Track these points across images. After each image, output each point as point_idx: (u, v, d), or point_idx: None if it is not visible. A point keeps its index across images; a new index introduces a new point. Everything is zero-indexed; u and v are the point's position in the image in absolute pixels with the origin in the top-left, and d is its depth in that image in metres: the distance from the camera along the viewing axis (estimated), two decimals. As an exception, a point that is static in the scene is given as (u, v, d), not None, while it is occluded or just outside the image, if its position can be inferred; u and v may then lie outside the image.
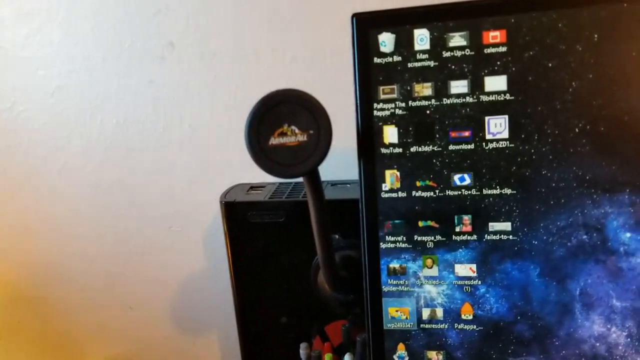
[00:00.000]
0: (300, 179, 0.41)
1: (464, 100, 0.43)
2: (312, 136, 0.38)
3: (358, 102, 0.44)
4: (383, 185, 0.45)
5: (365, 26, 0.44)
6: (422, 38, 0.43)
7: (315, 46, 0.66)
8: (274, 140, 0.38)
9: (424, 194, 0.44)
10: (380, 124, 0.44)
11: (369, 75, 0.44)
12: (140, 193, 0.77)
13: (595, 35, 0.40)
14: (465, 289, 0.45)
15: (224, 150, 0.72)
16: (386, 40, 0.43)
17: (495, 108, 0.42)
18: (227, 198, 0.59)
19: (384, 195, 0.45)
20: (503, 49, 0.42)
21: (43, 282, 0.84)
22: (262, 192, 0.61)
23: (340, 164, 0.58)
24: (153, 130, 0.74)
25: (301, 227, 0.54)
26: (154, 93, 0.72)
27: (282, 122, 0.38)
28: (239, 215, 0.58)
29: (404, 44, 0.43)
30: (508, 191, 0.43)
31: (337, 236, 0.56)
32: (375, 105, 0.44)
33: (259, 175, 0.61)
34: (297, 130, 0.38)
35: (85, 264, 0.82)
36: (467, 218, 0.44)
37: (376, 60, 0.44)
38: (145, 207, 0.77)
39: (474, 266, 0.44)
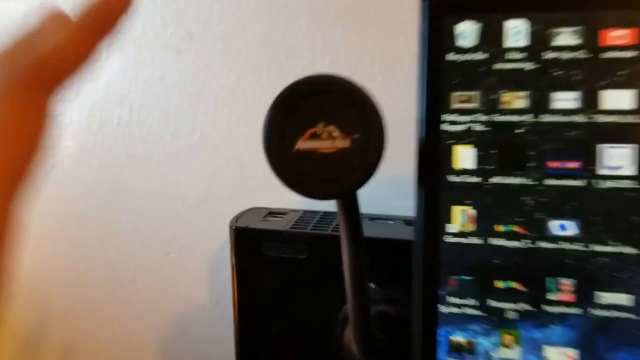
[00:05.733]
0: (332, 204, 0.34)
1: (571, 118, 0.34)
2: (357, 143, 0.30)
3: (423, 112, 0.35)
4: (449, 226, 0.36)
5: (440, 12, 0.35)
6: (517, 31, 0.34)
7: (361, 48, 0.59)
8: (303, 143, 0.31)
9: (507, 244, 0.35)
10: (451, 142, 0.35)
11: (440, 76, 0.35)
12: (137, 209, 0.72)
13: None
14: (558, 382, 0.35)
15: (239, 165, 0.66)
16: (467, 31, 0.34)
17: (616, 133, 0.33)
18: (239, 223, 0.54)
19: (449, 239, 0.36)
20: (631, 53, 0.33)
21: (15, 301, 0.76)
22: (282, 219, 0.55)
23: (384, 193, 0.54)
24: (159, 137, 0.68)
25: (327, 268, 0.47)
26: (164, 91, 0.66)
27: (316, 119, 0.31)
28: (252, 245, 0.53)
29: (492, 37, 0.34)
30: (629, 250, 0.33)
31: (372, 285, 0.48)
32: (444, 117, 0.35)
33: (280, 199, 0.58)
34: (336, 133, 0.31)
35: (65, 288, 0.77)
36: (566, 282, 0.34)
37: (451, 57, 0.35)
38: (141, 226, 0.72)
39: (572, 352, 0.35)
